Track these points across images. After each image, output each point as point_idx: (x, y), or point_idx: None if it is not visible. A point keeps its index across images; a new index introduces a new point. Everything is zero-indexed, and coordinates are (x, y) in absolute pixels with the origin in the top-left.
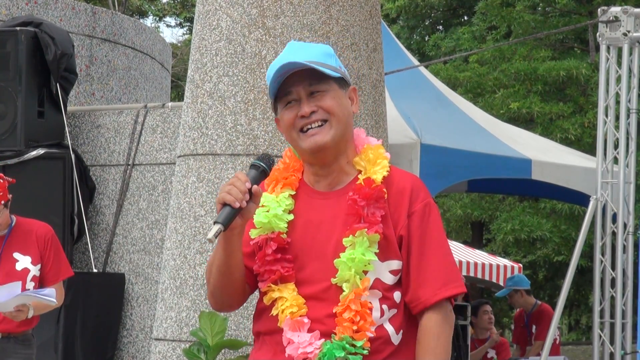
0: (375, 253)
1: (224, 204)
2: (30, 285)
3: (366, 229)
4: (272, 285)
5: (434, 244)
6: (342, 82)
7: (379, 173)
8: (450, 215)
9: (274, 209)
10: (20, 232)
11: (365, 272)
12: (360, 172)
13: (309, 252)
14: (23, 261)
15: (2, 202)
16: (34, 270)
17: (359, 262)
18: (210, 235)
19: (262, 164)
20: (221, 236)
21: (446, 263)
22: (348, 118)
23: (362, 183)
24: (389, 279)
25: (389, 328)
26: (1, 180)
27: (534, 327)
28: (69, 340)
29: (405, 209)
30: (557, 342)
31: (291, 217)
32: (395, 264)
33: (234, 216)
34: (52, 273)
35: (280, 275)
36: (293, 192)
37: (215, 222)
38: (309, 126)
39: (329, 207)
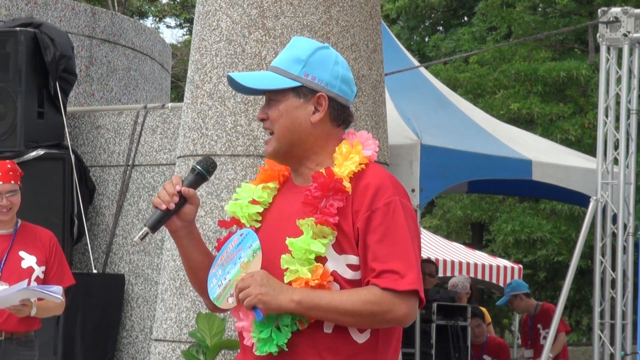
0: (332, 245)
1: (156, 207)
2: (32, 285)
3: (314, 219)
4: None
5: (397, 243)
6: (303, 90)
7: (344, 167)
8: (450, 216)
9: (242, 199)
10: (25, 233)
11: (318, 260)
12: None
13: (277, 244)
14: (28, 260)
15: (13, 182)
16: (38, 271)
17: (298, 249)
18: (136, 237)
19: (199, 167)
20: (174, 239)
21: (407, 260)
22: (299, 129)
23: (324, 173)
24: (349, 274)
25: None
26: (9, 166)
27: (539, 326)
28: (69, 341)
29: (367, 204)
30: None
31: (260, 208)
32: (353, 259)
33: (162, 218)
34: (55, 280)
35: None
36: (274, 185)
37: (144, 225)
38: (266, 130)
39: (299, 201)
